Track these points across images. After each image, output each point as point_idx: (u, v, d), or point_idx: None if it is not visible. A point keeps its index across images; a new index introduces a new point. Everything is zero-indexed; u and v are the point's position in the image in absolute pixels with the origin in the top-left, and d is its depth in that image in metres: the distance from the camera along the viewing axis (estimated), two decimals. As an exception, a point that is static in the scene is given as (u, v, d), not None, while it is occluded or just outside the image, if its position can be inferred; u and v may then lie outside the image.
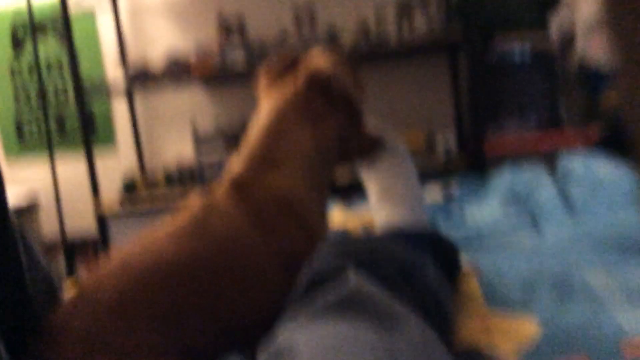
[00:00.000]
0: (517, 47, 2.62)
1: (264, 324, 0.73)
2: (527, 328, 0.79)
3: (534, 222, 1.34)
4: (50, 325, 0.73)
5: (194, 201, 0.89)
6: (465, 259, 1.04)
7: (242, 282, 0.81)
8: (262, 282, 0.82)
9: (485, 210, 1.45)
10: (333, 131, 1.00)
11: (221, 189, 0.91)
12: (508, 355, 0.72)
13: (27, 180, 3.25)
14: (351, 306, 0.60)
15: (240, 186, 0.90)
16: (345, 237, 0.88)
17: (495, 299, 0.89)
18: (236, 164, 0.95)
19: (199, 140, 2.85)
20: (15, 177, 3.28)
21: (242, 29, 2.84)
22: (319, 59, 1.03)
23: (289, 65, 1.04)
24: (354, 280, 0.64)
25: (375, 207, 1.18)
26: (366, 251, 0.75)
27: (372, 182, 1.19)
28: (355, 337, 0.54)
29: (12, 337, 0.69)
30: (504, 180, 1.65)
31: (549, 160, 1.75)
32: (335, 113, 1.01)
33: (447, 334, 0.73)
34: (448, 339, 0.72)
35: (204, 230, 0.83)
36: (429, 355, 0.54)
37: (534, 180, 1.55)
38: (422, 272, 0.76)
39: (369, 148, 1.08)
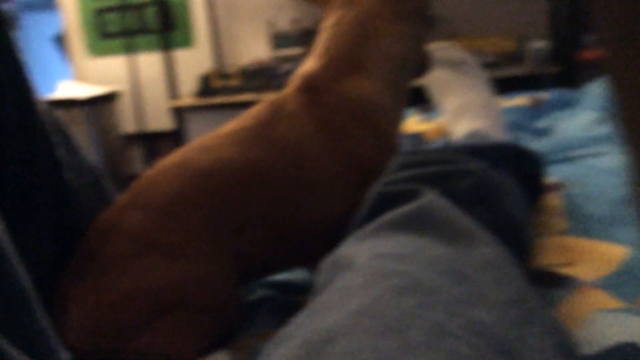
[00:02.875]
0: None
1: (329, 238, 0.70)
2: (612, 251, 0.72)
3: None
4: (100, 222, 0.71)
5: (260, 103, 0.84)
6: (551, 173, 0.96)
7: (306, 191, 0.77)
8: (329, 193, 0.78)
9: (575, 122, 1.34)
10: (415, 40, 0.93)
11: (292, 90, 0.86)
12: (587, 276, 0.66)
13: (108, 74, 3.32)
14: (420, 220, 0.55)
15: (313, 89, 0.84)
16: (417, 150, 0.82)
17: (579, 219, 0.82)
18: (312, 64, 0.88)
19: (276, 37, 2.79)
20: (98, 71, 3.35)
21: None
22: None
23: None
24: (426, 196, 0.60)
25: (453, 122, 1.13)
26: (439, 164, 0.70)
27: (445, 95, 1.13)
28: (419, 248, 0.50)
29: (57, 232, 0.68)
30: (598, 91, 1.52)
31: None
32: (417, 20, 0.93)
33: (525, 258, 0.68)
34: (525, 264, 0.67)
35: (268, 134, 0.78)
36: (502, 277, 0.49)
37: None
38: (500, 191, 0.70)
39: (427, 62, 1.01)
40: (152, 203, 0.71)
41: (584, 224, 0.80)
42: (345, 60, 0.86)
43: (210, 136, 0.79)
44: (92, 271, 0.67)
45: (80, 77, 3.36)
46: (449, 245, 0.51)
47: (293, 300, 0.80)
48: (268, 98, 0.86)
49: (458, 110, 1.14)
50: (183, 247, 0.69)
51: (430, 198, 0.60)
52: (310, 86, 0.84)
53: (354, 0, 0.91)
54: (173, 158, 0.77)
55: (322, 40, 0.90)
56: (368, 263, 0.49)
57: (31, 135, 0.65)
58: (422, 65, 1.00)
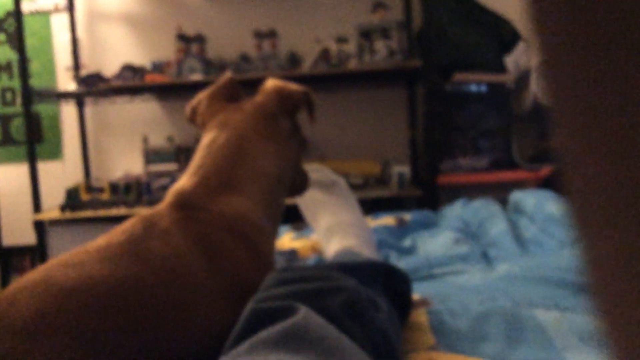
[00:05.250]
0: (474, 84, 2.65)
1: (204, 357, 0.68)
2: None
3: (485, 255, 1.33)
4: None
5: (132, 219, 0.82)
6: (416, 290, 1.01)
7: (181, 309, 0.74)
8: (205, 311, 0.76)
9: (436, 242, 1.43)
10: (294, 154, 0.98)
11: (166, 206, 0.84)
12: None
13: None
14: (294, 338, 0.56)
15: (187, 205, 0.83)
16: (292, 267, 0.84)
17: (445, 334, 0.86)
18: (186, 182, 0.89)
19: (149, 153, 2.78)
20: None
21: (201, 46, 2.79)
22: (277, 83, 1.00)
23: (233, 90, 1.01)
24: (301, 312, 0.60)
25: (325, 240, 1.17)
26: (313, 281, 0.71)
27: (318, 214, 1.19)
28: None
29: None
30: (456, 212, 1.65)
31: (501, 196, 1.76)
32: (297, 135, 0.99)
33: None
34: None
35: (141, 250, 0.75)
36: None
37: (485, 214, 1.55)
38: (371, 307, 0.72)
39: (305, 182, 1.08)
40: (11, 324, 0.66)
41: (449, 338, 0.84)
42: (219, 179, 0.88)
43: (77, 251, 0.75)
44: None
45: None
46: None
47: None
48: (140, 213, 0.84)
49: (330, 228, 1.18)
50: None
51: (304, 315, 0.60)
52: (185, 203, 0.84)
53: (228, 122, 0.94)
54: (35, 275, 0.72)
55: (196, 159, 0.92)
56: None
57: None
58: (298, 183, 1.05)
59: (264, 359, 0.53)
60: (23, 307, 0.67)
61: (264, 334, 0.57)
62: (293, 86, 0.99)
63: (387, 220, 1.65)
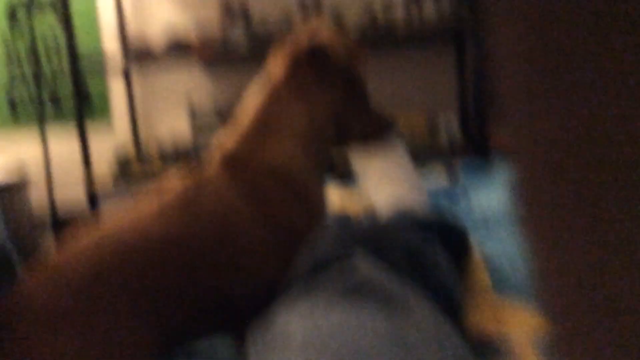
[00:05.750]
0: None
1: (256, 303, 0.68)
2: (537, 317, 0.74)
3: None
4: (14, 300, 0.66)
5: (179, 179, 0.83)
6: (473, 244, 0.99)
7: (234, 260, 0.76)
8: (257, 260, 0.77)
9: (491, 196, 1.39)
10: (329, 107, 0.95)
11: (212, 164, 0.85)
12: (522, 345, 0.67)
13: (19, 154, 3.19)
14: (358, 294, 0.55)
15: (232, 160, 0.85)
16: (349, 222, 0.83)
17: (503, 286, 0.84)
18: (227, 139, 0.89)
19: (195, 120, 2.80)
20: (7, 151, 3.22)
21: (245, 13, 2.77)
22: (317, 33, 0.97)
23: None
24: (361, 267, 0.59)
25: (375, 191, 1.15)
26: (372, 237, 0.70)
27: (371, 165, 1.16)
28: (360, 324, 0.50)
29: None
30: (505, 166, 1.60)
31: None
32: (331, 88, 0.96)
33: (457, 321, 0.68)
34: (458, 326, 0.68)
35: (193, 208, 0.77)
36: (441, 341, 0.49)
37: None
38: (430, 258, 0.71)
39: (377, 129, 1.02)
40: (69, 284, 0.67)
41: (508, 292, 0.82)
42: (256, 132, 0.88)
43: (128, 214, 0.77)
44: (4, 351, 0.61)
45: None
46: (388, 315, 0.51)
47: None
48: (188, 173, 0.85)
49: (380, 179, 1.16)
50: (100, 325, 0.64)
51: (366, 266, 0.60)
52: (230, 159, 0.85)
53: (270, 76, 0.93)
54: (92, 236, 0.73)
55: (239, 116, 0.92)
56: (306, 339, 0.47)
57: None
58: (377, 129, 1.01)
59: (331, 310, 0.52)
60: (81, 268, 0.68)
61: (325, 286, 0.57)
62: (339, 38, 0.96)
63: (436, 170, 1.63)
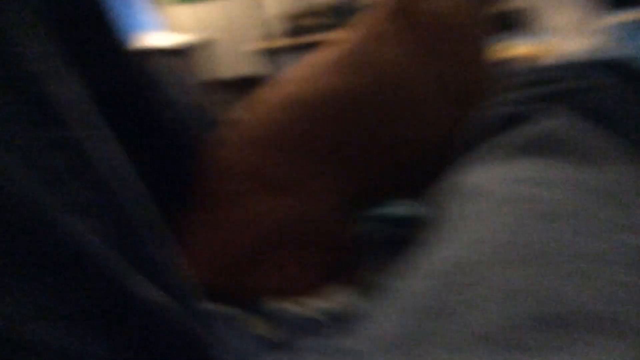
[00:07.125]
0: None
1: (434, 161, 0.67)
2: None
3: None
4: (212, 159, 0.71)
5: (348, 33, 0.80)
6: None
7: (408, 115, 0.73)
8: (431, 116, 0.74)
9: None
10: None
11: (383, 13, 0.81)
12: None
13: (199, 20, 3.34)
14: (555, 143, 0.50)
15: (403, 10, 0.80)
16: (536, 67, 0.76)
17: None
18: None
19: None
20: (188, 17, 3.38)
21: None
22: None
23: None
24: (551, 116, 0.54)
25: (562, 40, 1.06)
26: (562, 82, 0.63)
27: (554, 14, 1.06)
28: (560, 172, 0.46)
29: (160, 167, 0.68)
30: None
31: None
32: None
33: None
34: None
35: (366, 60, 0.74)
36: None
37: None
38: (632, 107, 0.63)
39: None
40: (251, 135, 0.70)
41: None
42: None
43: (304, 67, 0.77)
44: (207, 208, 0.68)
45: (169, 25, 3.39)
46: (591, 169, 0.46)
47: (403, 232, 0.77)
48: (358, 23, 0.82)
49: (569, 27, 1.06)
50: (291, 181, 0.68)
51: (556, 118, 0.54)
52: (401, 7, 0.80)
53: None
54: (274, 92, 0.75)
55: None
56: (502, 189, 0.45)
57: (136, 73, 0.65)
58: None
59: (527, 163, 0.49)
60: (263, 120, 0.71)
61: (517, 139, 0.53)
62: None
63: (627, 16, 1.43)
